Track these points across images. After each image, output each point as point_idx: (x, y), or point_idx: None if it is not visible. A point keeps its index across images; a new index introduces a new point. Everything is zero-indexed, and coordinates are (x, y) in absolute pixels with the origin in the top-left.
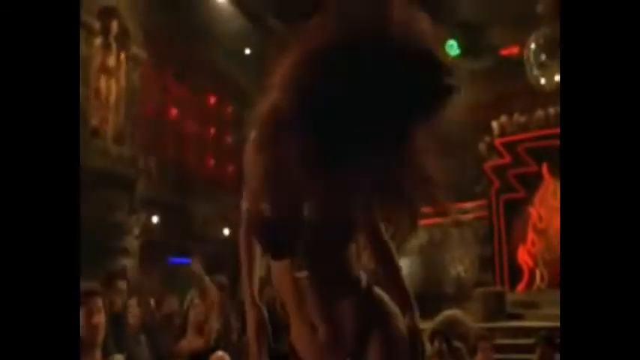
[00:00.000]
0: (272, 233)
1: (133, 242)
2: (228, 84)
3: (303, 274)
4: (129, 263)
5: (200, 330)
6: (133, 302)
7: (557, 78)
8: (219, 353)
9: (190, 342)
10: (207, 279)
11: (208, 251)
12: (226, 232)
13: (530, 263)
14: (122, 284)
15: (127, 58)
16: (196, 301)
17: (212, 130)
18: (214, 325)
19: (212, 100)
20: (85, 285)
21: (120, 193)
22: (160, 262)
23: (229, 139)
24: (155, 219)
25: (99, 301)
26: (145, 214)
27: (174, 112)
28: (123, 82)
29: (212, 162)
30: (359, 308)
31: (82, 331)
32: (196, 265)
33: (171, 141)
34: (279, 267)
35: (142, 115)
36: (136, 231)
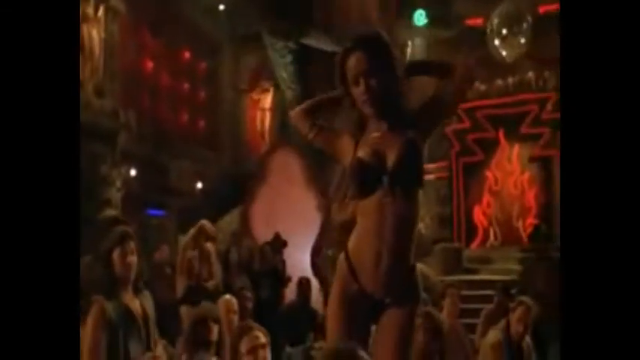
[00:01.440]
0: (365, 173)
1: (115, 194)
2: (202, 40)
3: (387, 199)
4: (111, 214)
5: (190, 275)
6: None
7: (516, 50)
8: (227, 296)
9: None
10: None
11: (183, 204)
12: (199, 185)
13: (485, 222)
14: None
15: (107, 9)
16: (191, 252)
17: (186, 86)
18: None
19: (186, 55)
20: (120, 229)
21: (103, 146)
22: (139, 213)
23: (202, 95)
24: (133, 172)
25: (132, 244)
26: (126, 167)
27: (149, 66)
28: (102, 34)
29: (186, 117)
30: (409, 258)
31: (118, 270)
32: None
33: (147, 95)
34: (368, 202)
35: (121, 68)
36: (118, 183)
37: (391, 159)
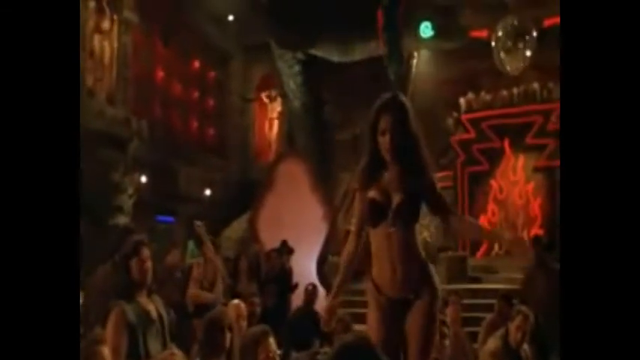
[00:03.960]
0: (375, 209)
1: (127, 201)
2: (211, 50)
3: (392, 229)
4: (123, 220)
5: (200, 284)
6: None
7: (521, 64)
8: (236, 301)
9: (200, 294)
10: (209, 243)
11: (192, 210)
12: (208, 192)
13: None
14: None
15: (120, 21)
16: (198, 260)
17: (196, 94)
18: (219, 281)
19: (196, 64)
20: (135, 237)
21: (115, 153)
22: (149, 220)
23: (212, 104)
24: (144, 179)
25: (147, 251)
26: (137, 175)
27: (160, 75)
28: (115, 44)
29: (195, 125)
30: (418, 262)
31: (135, 276)
32: (201, 229)
33: (158, 103)
34: (376, 230)
35: (133, 77)
36: (130, 190)
37: (395, 200)
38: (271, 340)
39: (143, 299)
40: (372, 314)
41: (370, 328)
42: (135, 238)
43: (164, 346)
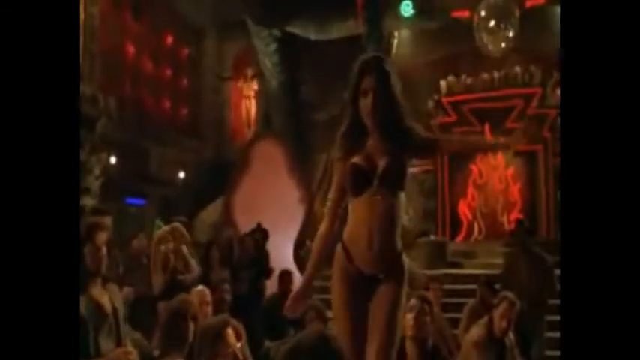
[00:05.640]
0: (358, 176)
1: (94, 182)
2: (185, 25)
3: (377, 198)
4: (90, 202)
5: (165, 268)
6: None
7: (502, 44)
8: (200, 287)
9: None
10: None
11: (164, 193)
12: (181, 174)
13: (469, 216)
14: (108, 220)
15: None
16: (164, 246)
17: (168, 72)
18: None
19: (169, 40)
20: (89, 220)
21: (82, 131)
22: (118, 202)
23: (185, 82)
24: (113, 159)
25: (102, 236)
26: (105, 154)
27: (130, 50)
28: (82, 15)
29: (168, 104)
30: (395, 238)
31: (88, 263)
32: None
33: (128, 80)
34: (359, 199)
35: (101, 51)
36: (97, 171)
37: (381, 165)
38: (230, 332)
39: (96, 290)
40: (336, 284)
41: (334, 300)
42: (89, 220)
43: (118, 342)
